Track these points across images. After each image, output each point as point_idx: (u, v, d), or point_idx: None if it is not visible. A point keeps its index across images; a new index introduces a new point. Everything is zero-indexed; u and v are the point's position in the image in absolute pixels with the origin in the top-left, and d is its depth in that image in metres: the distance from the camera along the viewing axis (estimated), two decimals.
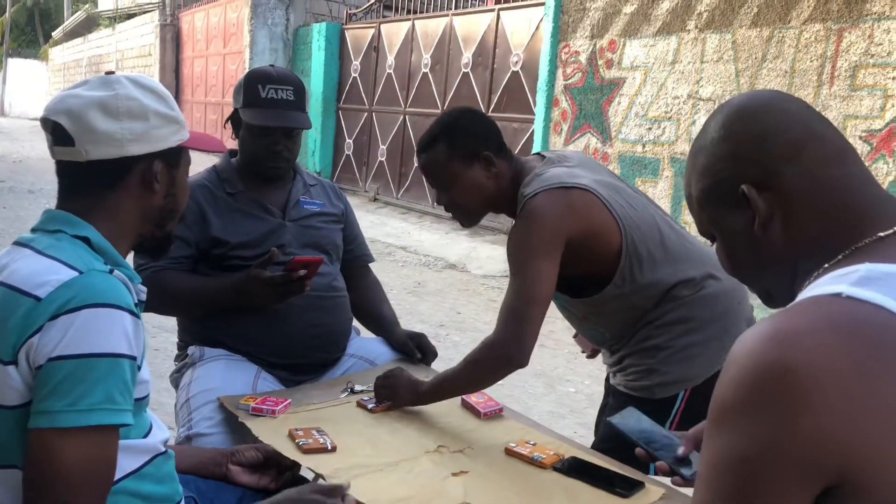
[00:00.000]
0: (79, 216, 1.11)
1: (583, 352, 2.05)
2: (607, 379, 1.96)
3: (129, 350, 1.01)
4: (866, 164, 4.08)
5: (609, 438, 1.66)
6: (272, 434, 1.46)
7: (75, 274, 1.01)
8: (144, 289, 1.16)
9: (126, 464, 1.06)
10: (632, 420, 1.24)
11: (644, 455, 1.16)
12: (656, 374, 1.68)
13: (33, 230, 1.12)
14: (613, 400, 1.79)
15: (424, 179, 1.75)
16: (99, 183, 1.12)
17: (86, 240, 1.09)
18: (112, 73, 1.18)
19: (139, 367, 1.06)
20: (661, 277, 1.65)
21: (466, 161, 1.66)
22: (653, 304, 1.68)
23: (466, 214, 1.75)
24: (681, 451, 1.13)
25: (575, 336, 1.95)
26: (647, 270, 1.64)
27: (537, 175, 1.65)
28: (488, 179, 1.68)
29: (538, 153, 1.81)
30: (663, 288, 1.67)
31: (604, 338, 1.80)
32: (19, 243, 1.09)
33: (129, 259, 1.18)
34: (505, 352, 1.56)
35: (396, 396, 1.64)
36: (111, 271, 1.06)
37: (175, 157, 1.18)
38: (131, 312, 1.03)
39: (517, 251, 1.60)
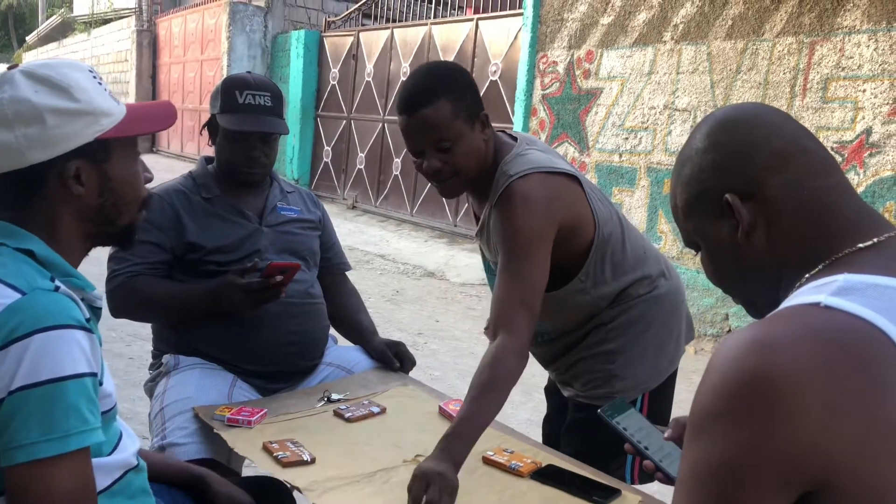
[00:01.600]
0: (19, 226, 1.04)
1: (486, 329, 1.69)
2: (549, 388, 1.94)
3: (89, 367, 0.98)
4: (844, 173, 4.15)
5: (582, 438, 1.64)
6: (248, 445, 1.44)
7: (18, 296, 0.96)
8: (100, 296, 1.11)
9: (97, 482, 1.03)
10: (621, 413, 1.24)
11: (632, 450, 1.16)
12: (617, 379, 1.66)
13: None
14: (575, 412, 1.73)
15: (412, 137, 1.53)
16: (20, 193, 1.04)
17: (30, 253, 1.02)
18: (15, 66, 1.07)
19: (101, 382, 1.02)
20: (621, 275, 1.63)
21: (469, 120, 1.52)
22: (607, 303, 1.64)
23: (457, 181, 1.56)
24: (667, 433, 1.13)
25: (486, 329, 1.67)
26: (610, 268, 1.62)
27: (520, 155, 1.55)
28: (484, 143, 1.56)
29: (504, 131, 1.68)
30: (621, 286, 1.64)
31: (544, 331, 1.70)
32: None
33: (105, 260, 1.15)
34: (517, 357, 1.42)
35: (436, 493, 1.23)
36: (56, 288, 1.00)
37: (99, 152, 1.06)
38: (82, 328, 0.98)
39: (515, 234, 1.47)
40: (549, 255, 1.48)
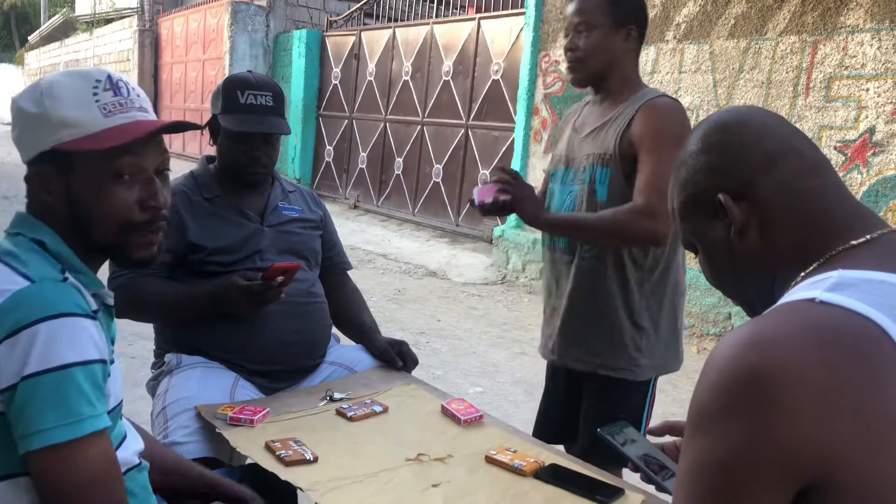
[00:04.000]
0: (39, 218, 1.08)
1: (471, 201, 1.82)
2: (551, 366, 1.98)
3: (98, 354, 1.00)
4: (841, 174, 4.14)
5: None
6: (250, 444, 1.44)
7: (26, 283, 0.98)
8: (110, 293, 1.13)
9: None
10: (622, 434, 1.25)
11: (634, 469, 1.18)
12: (641, 355, 1.76)
13: (5, 233, 1.10)
14: (592, 386, 1.82)
15: (567, 18, 1.78)
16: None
17: (41, 244, 1.05)
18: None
19: (108, 374, 1.04)
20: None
21: (615, 23, 1.72)
22: (662, 253, 1.75)
23: (581, 68, 1.77)
24: (665, 438, 1.16)
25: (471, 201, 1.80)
26: None
27: (649, 88, 1.79)
28: (622, 52, 1.75)
29: None
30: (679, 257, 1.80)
31: (587, 245, 1.76)
32: None
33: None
34: (652, 224, 1.61)
35: (518, 203, 1.70)
36: (65, 279, 1.03)
37: (62, 162, 1.06)
38: (88, 316, 1.00)
39: (669, 127, 1.65)
40: None
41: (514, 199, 1.71)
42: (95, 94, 1.07)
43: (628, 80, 1.79)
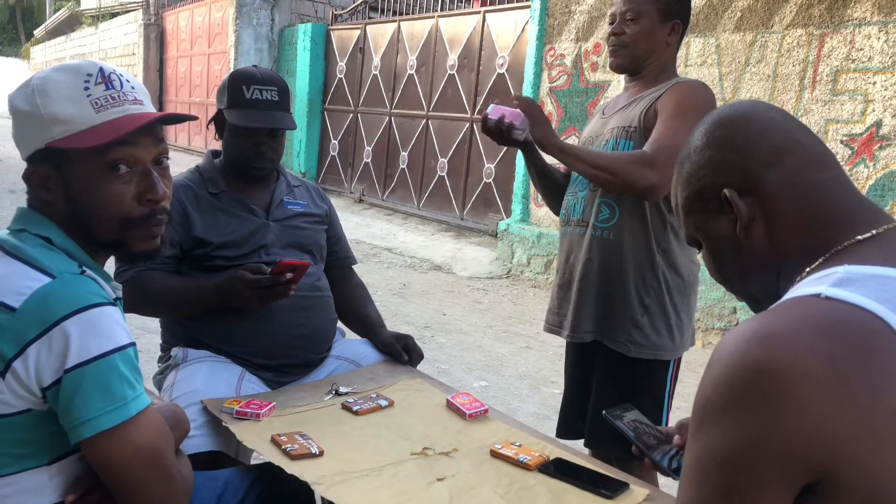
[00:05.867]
0: (44, 215, 1.09)
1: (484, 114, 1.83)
2: (571, 351, 1.99)
3: (129, 338, 1.04)
4: (847, 168, 4.13)
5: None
6: (256, 438, 1.45)
7: (47, 279, 1.00)
8: (118, 286, 1.15)
9: None
10: (628, 416, 1.25)
11: (639, 453, 1.19)
12: (675, 329, 1.81)
13: (8, 229, 1.11)
14: (606, 365, 1.84)
15: (616, 4, 1.85)
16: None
17: (48, 240, 1.06)
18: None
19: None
20: None
21: (661, 15, 1.81)
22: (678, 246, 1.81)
23: (624, 52, 1.84)
24: (675, 439, 1.16)
25: (484, 118, 1.81)
26: None
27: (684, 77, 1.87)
28: (664, 43, 1.83)
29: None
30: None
31: (602, 217, 1.83)
32: None
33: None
34: (652, 173, 1.65)
35: (535, 123, 1.77)
36: (83, 272, 1.05)
37: (59, 159, 1.06)
38: (111, 304, 1.04)
39: (696, 99, 1.71)
40: None
41: (531, 118, 1.77)
42: (87, 88, 1.06)
43: (666, 71, 1.86)
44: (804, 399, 0.68)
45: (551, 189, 2.03)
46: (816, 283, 0.77)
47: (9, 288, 0.98)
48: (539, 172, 2.02)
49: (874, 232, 0.82)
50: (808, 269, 0.83)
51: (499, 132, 1.78)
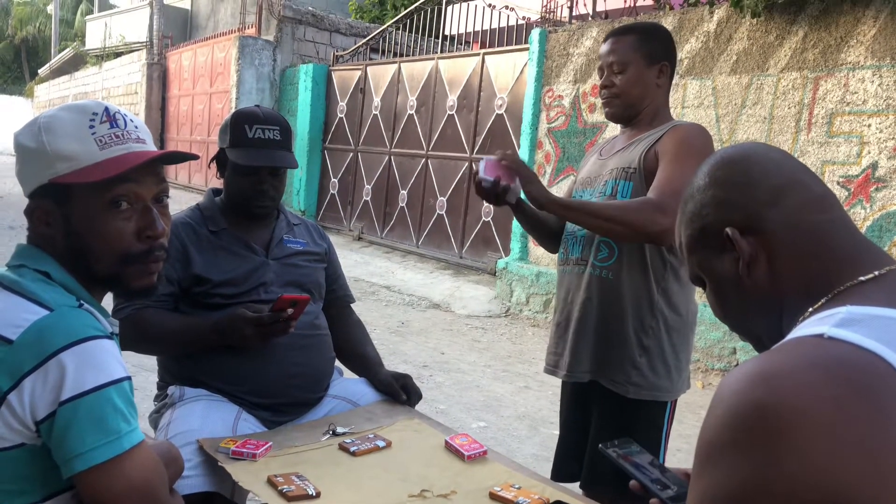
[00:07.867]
0: (43, 250, 1.10)
1: (476, 175, 1.79)
2: (567, 391, 1.97)
3: (125, 372, 1.04)
4: (844, 209, 4.16)
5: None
6: (252, 479, 1.43)
7: (44, 312, 1.00)
8: (115, 321, 1.15)
9: None
10: (625, 450, 1.23)
11: (638, 488, 1.15)
12: (674, 370, 1.80)
13: (7, 266, 1.12)
14: (604, 405, 1.83)
15: (602, 58, 1.88)
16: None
17: (46, 274, 1.07)
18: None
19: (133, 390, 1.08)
20: None
21: (647, 59, 1.83)
22: (678, 264, 1.79)
23: (618, 102, 1.87)
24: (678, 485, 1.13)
25: (475, 175, 1.80)
26: None
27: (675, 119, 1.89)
28: (655, 86, 1.85)
29: None
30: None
31: (601, 256, 1.82)
32: None
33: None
34: (661, 218, 1.64)
35: (527, 183, 1.75)
36: (80, 305, 1.05)
37: (60, 195, 1.08)
38: (108, 337, 1.04)
39: (696, 142, 1.72)
40: None
41: (522, 176, 1.76)
42: (92, 126, 1.08)
43: (660, 113, 1.88)
44: (807, 440, 0.68)
45: (548, 235, 2.04)
46: (819, 324, 0.77)
47: (6, 321, 0.99)
48: (533, 224, 2.02)
49: (876, 273, 0.82)
50: (810, 309, 0.83)
51: (494, 195, 1.78)
